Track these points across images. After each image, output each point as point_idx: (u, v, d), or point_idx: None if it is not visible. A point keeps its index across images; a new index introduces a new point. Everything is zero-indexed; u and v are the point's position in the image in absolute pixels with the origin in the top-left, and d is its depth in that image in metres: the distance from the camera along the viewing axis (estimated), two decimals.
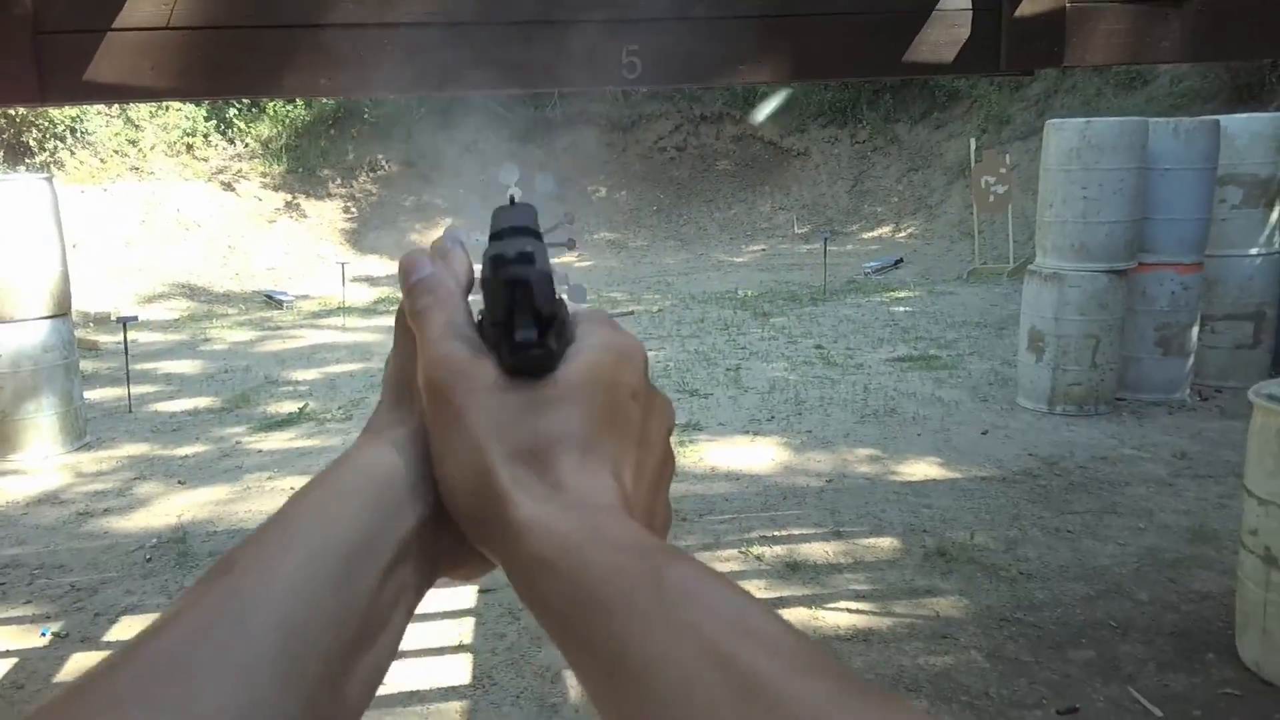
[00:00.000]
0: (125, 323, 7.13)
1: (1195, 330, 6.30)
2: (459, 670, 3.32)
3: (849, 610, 3.72)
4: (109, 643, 3.62)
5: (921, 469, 5.25)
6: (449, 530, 0.37)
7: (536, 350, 0.37)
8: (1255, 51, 2.94)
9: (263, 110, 15.84)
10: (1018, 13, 2.69)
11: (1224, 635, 3.38)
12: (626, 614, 0.30)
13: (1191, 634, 3.45)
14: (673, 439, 0.42)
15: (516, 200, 0.44)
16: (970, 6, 2.71)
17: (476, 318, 0.41)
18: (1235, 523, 3.38)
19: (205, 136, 15.21)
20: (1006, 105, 14.23)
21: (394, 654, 0.36)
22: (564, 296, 0.41)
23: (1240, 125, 6.54)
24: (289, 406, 7.00)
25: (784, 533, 4.45)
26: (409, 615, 0.37)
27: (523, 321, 0.38)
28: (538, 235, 0.41)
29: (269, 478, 5.48)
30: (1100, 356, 6.05)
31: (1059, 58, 2.76)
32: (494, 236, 0.41)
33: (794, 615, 3.68)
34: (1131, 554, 4.10)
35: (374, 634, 0.34)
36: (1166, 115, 8.36)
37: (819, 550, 4.25)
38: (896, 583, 3.93)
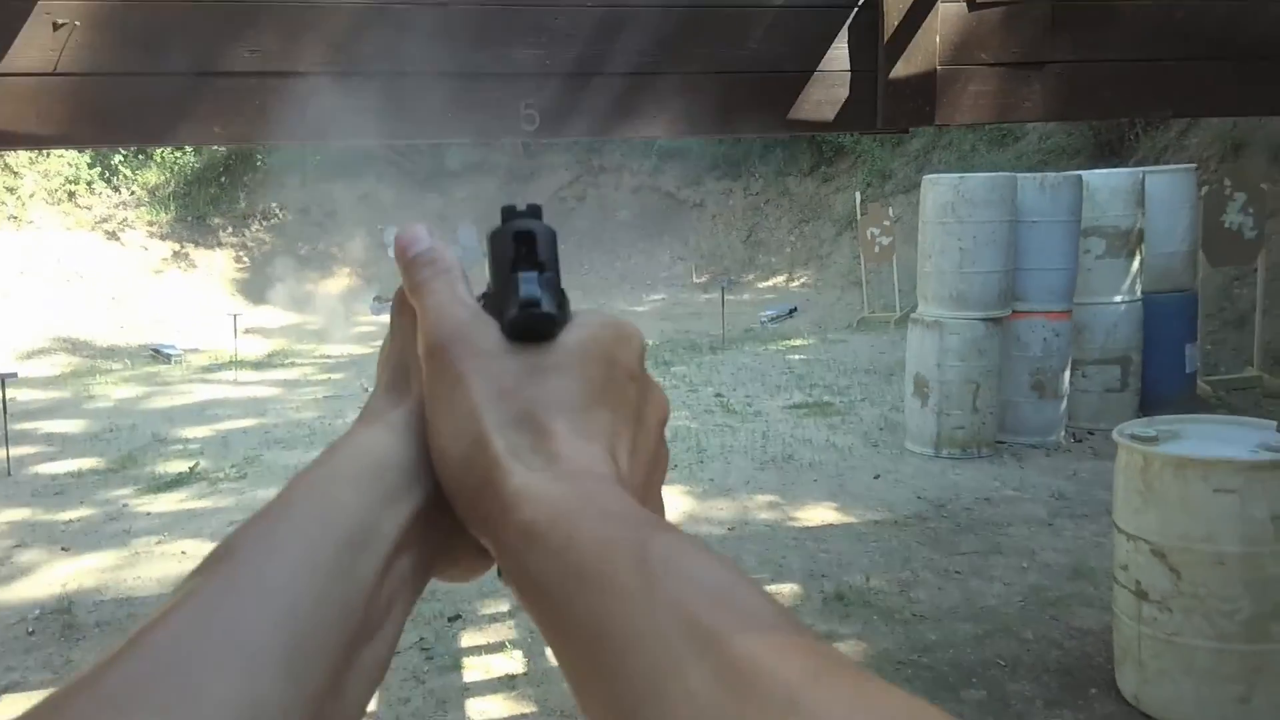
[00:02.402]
0: (3, 380, 6.81)
1: (1067, 375, 6.67)
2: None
3: None
4: None
5: (819, 514, 5.41)
6: (445, 521, 0.37)
7: (540, 309, 0.38)
8: (1111, 111, 3.20)
9: (150, 157, 15.39)
10: (892, 74, 2.88)
11: (1104, 669, 3.57)
12: (611, 588, 0.30)
13: (1075, 670, 3.64)
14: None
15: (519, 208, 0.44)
16: (849, 68, 2.89)
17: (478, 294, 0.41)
18: (1110, 559, 3.59)
19: (89, 184, 14.68)
20: (889, 160, 14.88)
21: (393, 649, 0.35)
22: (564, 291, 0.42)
23: (1101, 180, 6.99)
24: (179, 466, 6.78)
25: None
26: (408, 610, 0.36)
27: (526, 277, 0.38)
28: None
29: (159, 541, 5.29)
30: (980, 401, 6.35)
31: (930, 116, 2.95)
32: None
33: None
34: (1016, 593, 4.31)
35: (375, 627, 0.33)
36: (1035, 170, 8.89)
37: None
38: None
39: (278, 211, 16.05)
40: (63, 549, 5.23)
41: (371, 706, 3.42)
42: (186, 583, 0.31)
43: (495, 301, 0.39)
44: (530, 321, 0.38)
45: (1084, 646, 3.81)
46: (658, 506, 0.41)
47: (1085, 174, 6.99)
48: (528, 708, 3.43)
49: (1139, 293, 6.97)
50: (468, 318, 0.38)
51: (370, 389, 0.45)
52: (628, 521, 0.32)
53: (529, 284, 0.38)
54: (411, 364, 0.40)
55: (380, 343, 0.44)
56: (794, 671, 0.27)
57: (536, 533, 0.32)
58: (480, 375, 0.37)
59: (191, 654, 0.28)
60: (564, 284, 0.41)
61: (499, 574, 0.36)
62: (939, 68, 2.90)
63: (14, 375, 7.17)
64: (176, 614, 0.30)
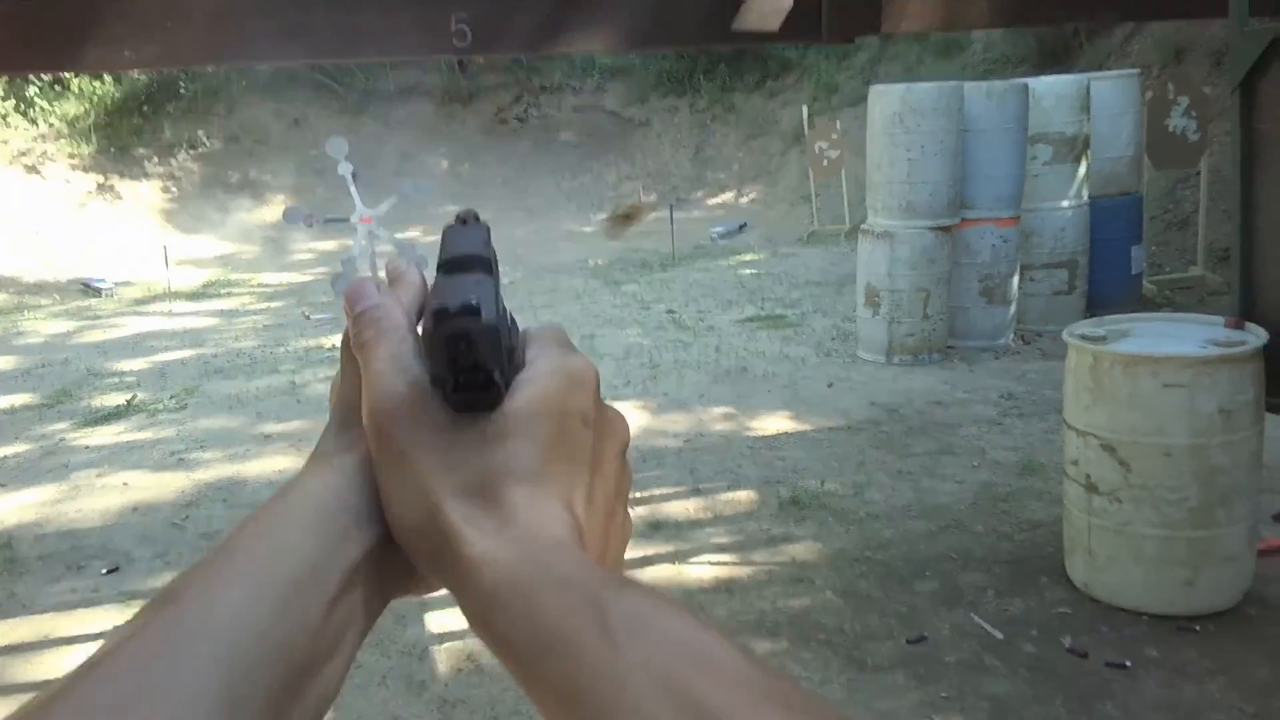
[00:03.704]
0: None
1: (1015, 280, 6.73)
2: None
3: (711, 563, 3.82)
4: None
5: (774, 423, 5.41)
6: (399, 556, 0.37)
7: (480, 391, 0.36)
8: (1058, 16, 3.14)
9: (66, 88, 14.68)
10: None
11: (1054, 559, 3.65)
12: (576, 656, 0.30)
13: (1025, 560, 3.71)
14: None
15: (468, 221, 0.42)
16: None
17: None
18: (1059, 455, 3.64)
19: (4, 117, 13.99)
20: (835, 74, 14.71)
21: (340, 683, 0.35)
22: (514, 318, 0.40)
23: (1047, 87, 6.98)
24: (116, 399, 6.58)
25: (646, 494, 4.51)
26: (357, 644, 0.36)
27: (466, 370, 0.36)
28: (490, 263, 0.39)
29: (99, 474, 5.14)
30: (931, 308, 6.38)
31: (876, 25, 2.87)
32: (442, 266, 0.39)
33: (659, 572, 3.74)
34: (968, 490, 4.37)
35: (320, 665, 0.34)
36: (981, 80, 8.84)
37: (680, 508, 4.34)
38: (755, 533, 4.06)
39: (205, 140, 15.47)
40: (0, 485, 5.06)
41: None
42: (128, 625, 0.32)
43: (437, 374, 0.37)
44: (472, 398, 0.37)
45: (1034, 538, 3.88)
46: (622, 533, 0.42)
47: (1031, 81, 6.97)
48: None
49: (1085, 197, 7.01)
50: (407, 392, 0.37)
51: (310, 315, 0.38)
52: (586, 587, 0.32)
53: (470, 375, 0.36)
54: (361, 410, 0.39)
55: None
56: None
57: (499, 599, 0.33)
58: (425, 449, 0.36)
59: (129, 696, 0.29)
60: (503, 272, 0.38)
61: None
62: None
63: None
64: (115, 658, 0.30)
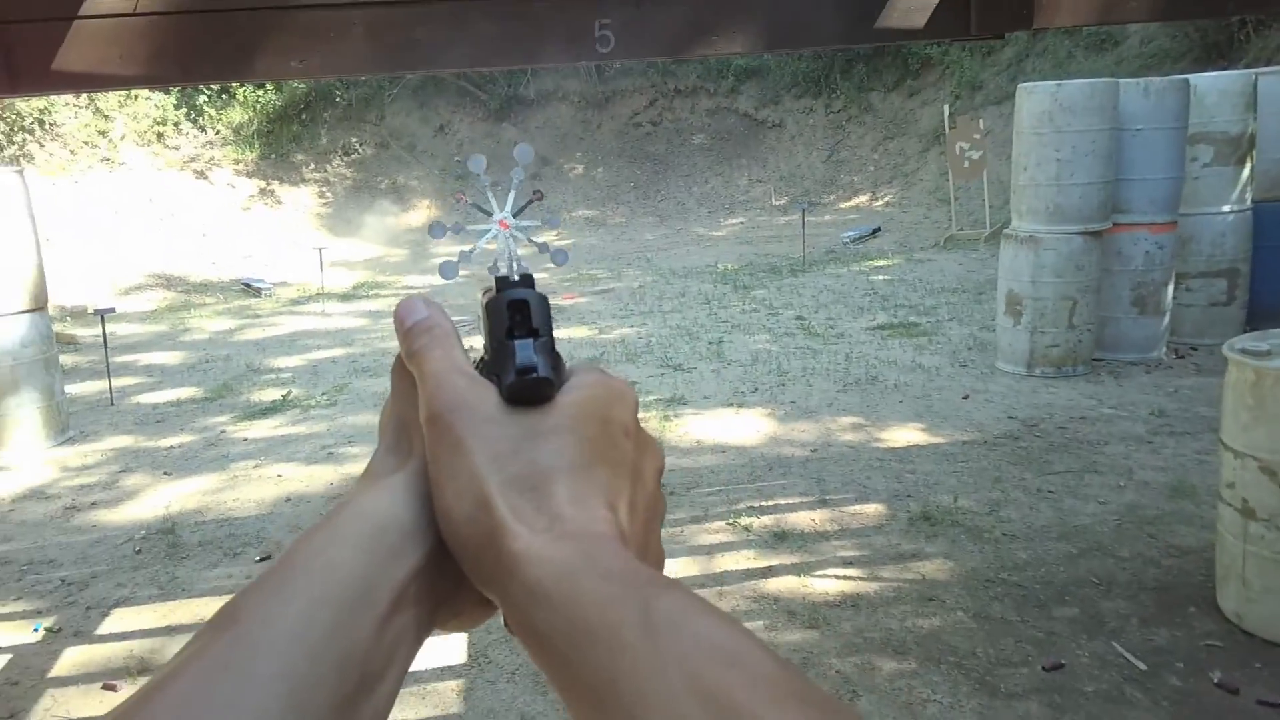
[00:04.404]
0: (103, 315, 7.08)
1: (1170, 289, 6.37)
2: (454, 649, 3.36)
3: (837, 577, 3.78)
4: (102, 636, 3.63)
5: (904, 435, 5.30)
6: (447, 576, 0.38)
7: (536, 374, 0.39)
8: (1221, 9, 2.96)
9: (233, 96, 15.66)
10: None
11: (1204, 588, 3.45)
12: (615, 645, 0.31)
13: (1173, 588, 3.52)
14: (658, 421, 0.44)
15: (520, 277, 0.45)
16: None
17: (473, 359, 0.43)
18: (1213, 477, 3.44)
19: (176, 125, 15.04)
20: (979, 71, 14.25)
21: (391, 704, 0.36)
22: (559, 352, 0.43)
23: (1209, 84, 6.58)
24: (272, 394, 6.99)
25: (771, 503, 4.49)
26: (407, 664, 0.37)
27: (521, 344, 0.40)
28: (537, 293, 0.43)
29: (255, 465, 5.47)
30: (1077, 318, 6.11)
31: (1028, 20, 2.78)
32: (498, 283, 0.43)
33: (783, 584, 3.73)
34: (1112, 512, 4.17)
35: (373, 683, 0.35)
36: (1137, 76, 8.41)
37: (806, 519, 4.30)
38: (883, 548, 3.99)
39: (358, 146, 16.23)
40: (165, 473, 5.45)
41: (461, 651, 3.49)
42: (192, 644, 0.33)
43: (492, 367, 0.41)
44: (527, 387, 0.39)
45: (1183, 565, 3.68)
46: (658, 557, 0.43)
47: (1192, 77, 6.57)
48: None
49: (1249, 201, 6.58)
50: (465, 385, 0.39)
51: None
52: (630, 580, 0.33)
53: (524, 351, 0.40)
54: (412, 426, 0.41)
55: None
56: None
57: (542, 592, 0.34)
58: (480, 440, 0.38)
59: (195, 716, 0.30)
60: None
61: (505, 625, 0.37)
62: None
63: (113, 310, 7.45)
64: (181, 676, 0.31)
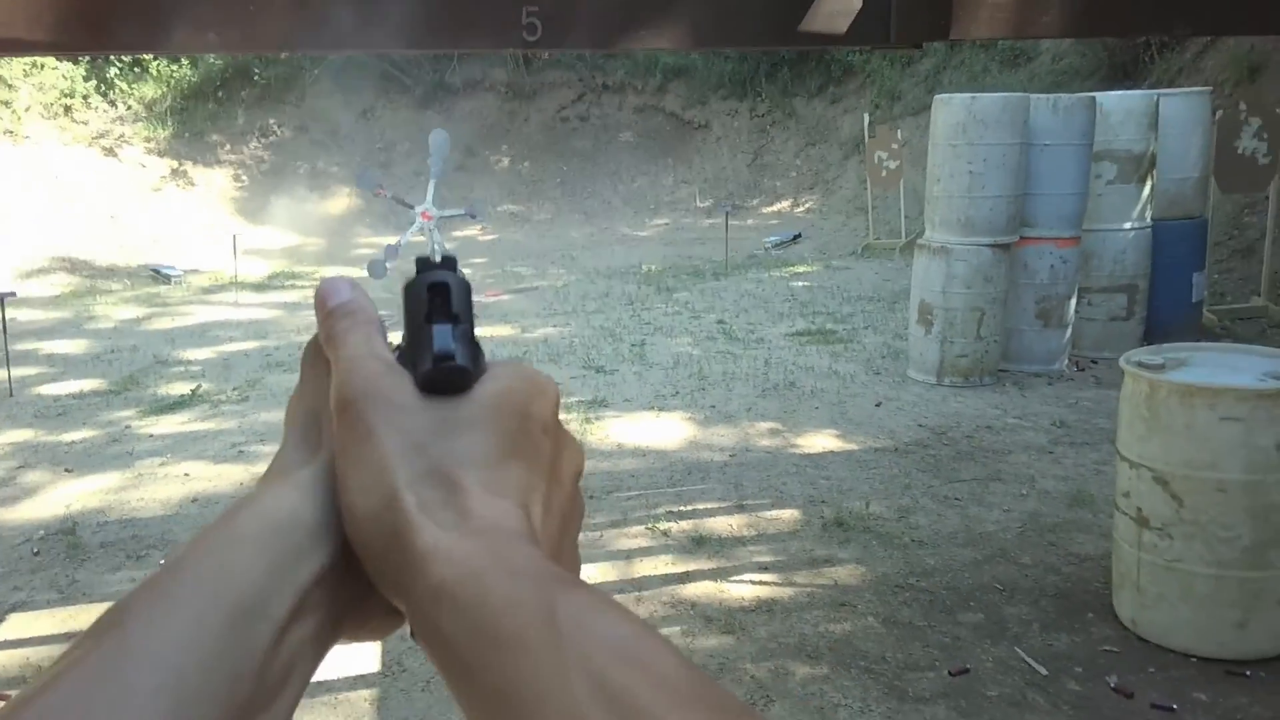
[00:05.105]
0: (2, 300, 6.77)
1: (1073, 302, 6.62)
2: (367, 657, 3.32)
3: (753, 582, 3.85)
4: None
5: (820, 441, 5.41)
6: (352, 582, 0.36)
7: (453, 362, 0.37)
8: (1131, 28, 3.09)
9: (146, 70, 15.09)
10: None
11: (1102, 595, 3.61)
12: (520, 648, 0.30)
13: (1072, 595, 3.68)
14: (579, 423, 0.44)
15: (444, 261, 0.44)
16: None
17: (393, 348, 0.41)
18: (1110, 487, 3.60)
19: (85, 98, 14.41)
20: (898, 81, 14.57)
21: (290, 715, 0.34)
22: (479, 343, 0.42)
23: (1115, 102, 6.83)
24: (181, 388, 6.78)
25: (690, 507, 4.55)
26: (308, 677, 0.35)
27: (440, 330, 0.38)
28: (458, 275, 0.41)
29: (162, 463, 5.32)
30: (985, 329, 6.31)
31: (945, 30, 2.85)
32: (418, 264, 0.42)
33: (700, 589, 3.78)
34: (1015, 519, 4.33)
35: (270, 698, 0.32)
36: (1048, 92, 8.71)
37: (724, 524, 4.37)
38: (798, 553, 4.07)
39: (276, 128, 15.80)
40: (66, 470, 5.26)
41: (374, 659, 3.44)
42: (70, 652, 0.31)
43: (409, 354, 0.39)
44: (443, 375, 0.37)
45: (1082, 572, 3.84)
46: (572, 560, 0.41)
47: (1099, 95, 6.83)
48: None
49: (1149, 219, 6.87)
50: (381, 370, 0.38)
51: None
52: (537, 579, 0.32)
53: (442, 336, 0.38)
54: (323, 417, 0.39)
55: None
56: None
57: (446, 591, 0.32)
58: (392, 429, 0.36)
59: None
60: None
61: (411, 634, 0.35)
62: None
63: (13, 294, 7.13)
64: (55, 687, 0.29)
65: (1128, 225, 6.82)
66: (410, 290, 0.40)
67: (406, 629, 0.36)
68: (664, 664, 0.30)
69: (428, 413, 0.37)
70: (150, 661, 0.30)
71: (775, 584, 3.84)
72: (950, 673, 3.20)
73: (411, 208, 9.81)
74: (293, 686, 0.34)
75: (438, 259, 0.41)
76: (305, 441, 0.40)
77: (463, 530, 0.34)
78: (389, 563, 0.34)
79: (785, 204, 14.79)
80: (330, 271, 12.10)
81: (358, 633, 0.39)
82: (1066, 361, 6.66)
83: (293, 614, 0.34)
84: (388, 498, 0.35)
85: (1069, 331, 6.64)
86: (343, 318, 0.40)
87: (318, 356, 0.41)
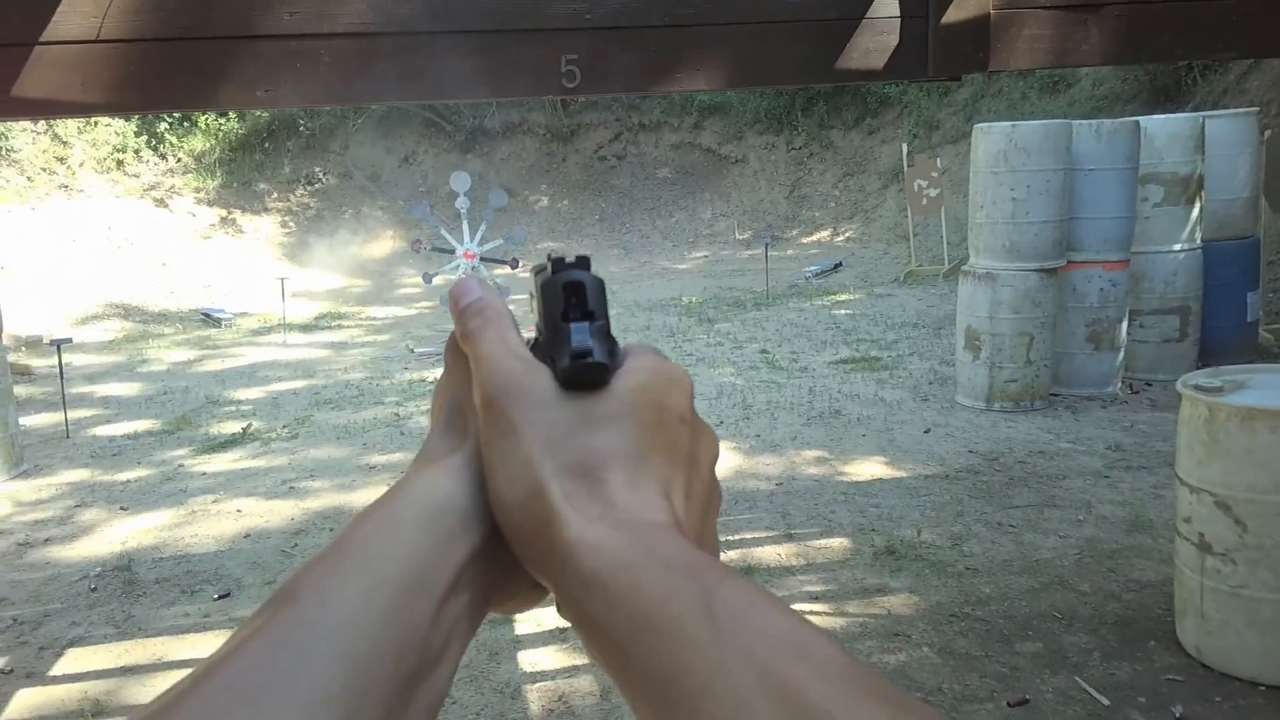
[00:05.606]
0: (59, 345, 6.96)
1: (1124, 325, 6.52)
2: None
3: (804, 612, 3.78)
4: (55, 677, 3.53)
5: (868, 469, 5.35)
6: (502, 560, 0.38)
7: (592, 359, 0.38)
8: (1171, 54, 3.06)
9: (195, 124, 15.55)
10: (944, 20, 2.78)
11: (1164, 622, 3.51)
12: (678, 637, 0.31)
13: (1133, 622, 3.58)
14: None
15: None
16: (899, 14, 2.79)
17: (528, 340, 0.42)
18: (1170, 512, 3.51)
19: (136, 152, 14.89)
20: (936, 110, 14.55)
21: (448, 687, 0.36)
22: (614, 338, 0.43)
23: (1159, 126, 6.78)
24: (232, 427, 6.89)
25: (737, 537, 4.51)
26: (464, 647, 0.37)
27: (577, 327, 0.39)
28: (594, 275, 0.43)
29: (215, 500, 5.39)
30: (1034, 353, 6.23)
31: (984, 63, 2.85)
32: (554, 264, 0.42)
33: None
34: (1072, 546, 4.24)
35: (431, 666, 0.34)
36: (1089, 117, 8.63)
37: (772, 553, 4.32)
38: (848, 582, 4.01)
39: (321, 176, 16.16)
40: (121, 508, 5.35)
41: None
42: (250, 623, 0.32)
43: (546, 350, 0.40)
44: (582, 371, 0.38)
45: (1142, 599, 3.74)
46: (713, 545, 0.42)
47: (1143, 120, 6.78)
48: (579, 659, 3.45)
49: (1199, 240, 6.77)
50: (520, 368, 0.39)
51: (414, 349, 0.43)
52: (691, 570, 0.33)
53: (580, 334, 0.39)
54: (467, 407, 0.41)
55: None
56: (871, 718, 0.28)
57: (598, 582, 0.33)
58: (534, 425, 0.37)
59: (254, 695, 0.29)
60: (609, 314, 0.41)
61: (558, 609, 0.36)
62: (993, 11, 2.80)
63: (69, 340, 7.33)
64: (238, 656, 0.31)
65: (1177, 247, 6.72)
66: (546, 289, 0.41)
67: (554, 603, 0.37)
68: (827, 656, 0.30)
69: (568, 408, 0.38)
70: (325, 632, 0.31)
71: (827, 614, 3.78)
72: (1009, 704, 3.12)
73: (453, 252, 9.95)
74: (451, 655, 0.35)
75: (571, 257, 0.41)
76: (451, 429, 0.41)
77: (610, 521, 0.35)
78: (537, 549, 0.36)
79: (825, 234, 14.77)
80: (376, 311, 12.30)
81: (505, 605, 0.41)
82: (1120, 384, 6.54)
83: (450, 590, 0.35)
84: (533, 489, 0.36)
85: (1121, 354, 6.53)
86: (474, 315, 0.41)
87: (457, 351, 0.42)
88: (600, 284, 0.41)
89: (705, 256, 14.85)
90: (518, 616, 3.80)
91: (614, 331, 0.41)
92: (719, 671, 0.29)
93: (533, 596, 0.40)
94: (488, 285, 0.43)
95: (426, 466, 0.40)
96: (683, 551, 0.34)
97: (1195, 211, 6.73)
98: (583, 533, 0.34)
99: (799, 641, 0.30)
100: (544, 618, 3.76)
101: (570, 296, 0.40)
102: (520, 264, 9.38)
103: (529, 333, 0.43)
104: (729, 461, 5.58)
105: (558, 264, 0.41)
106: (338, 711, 0.30)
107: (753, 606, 0.31)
